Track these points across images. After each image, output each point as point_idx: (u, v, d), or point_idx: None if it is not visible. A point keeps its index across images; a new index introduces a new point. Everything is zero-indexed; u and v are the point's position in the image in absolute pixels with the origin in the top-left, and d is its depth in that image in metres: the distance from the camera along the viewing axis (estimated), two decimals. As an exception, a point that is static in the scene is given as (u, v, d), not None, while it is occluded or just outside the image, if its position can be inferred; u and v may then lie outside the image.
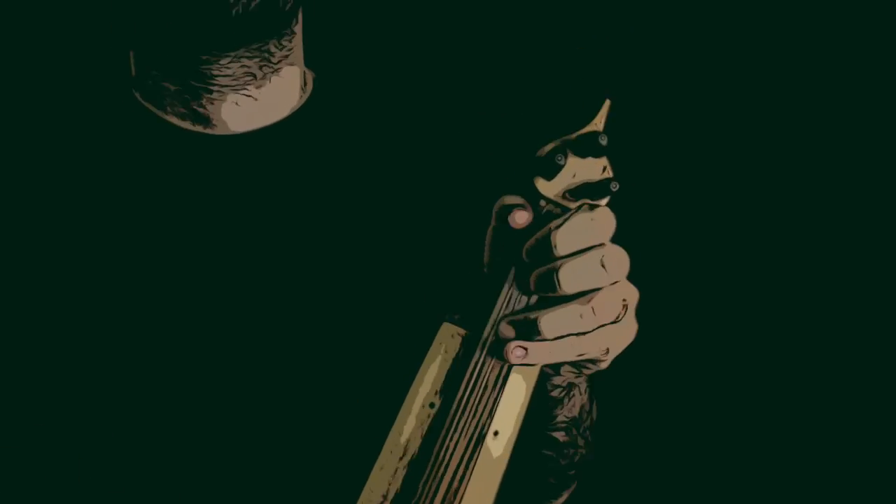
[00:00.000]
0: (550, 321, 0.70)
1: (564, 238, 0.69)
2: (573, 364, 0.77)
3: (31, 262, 0.86)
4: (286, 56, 0.90)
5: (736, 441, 1.48)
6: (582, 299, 0.70)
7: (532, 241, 0.71)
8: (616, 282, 0.72)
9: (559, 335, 0.70)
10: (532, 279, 0.71)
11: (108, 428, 0.84)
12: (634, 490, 1.47)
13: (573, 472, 0.92)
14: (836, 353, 1.47)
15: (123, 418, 0.84)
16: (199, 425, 0.85)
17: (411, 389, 0.74)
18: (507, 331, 0.72)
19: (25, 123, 0.91)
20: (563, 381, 0.82)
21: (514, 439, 0.74)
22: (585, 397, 0.87)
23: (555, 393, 0.83)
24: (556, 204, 0.73)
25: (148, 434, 0.84)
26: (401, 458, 0.73)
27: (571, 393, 0.84)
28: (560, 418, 0.85)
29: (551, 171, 0.72)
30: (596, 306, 0.70)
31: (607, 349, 0.74)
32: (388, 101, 0.99)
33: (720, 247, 1.47)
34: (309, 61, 0.96)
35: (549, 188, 0.73)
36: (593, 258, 0.70)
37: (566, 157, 0.72)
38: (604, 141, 0.71)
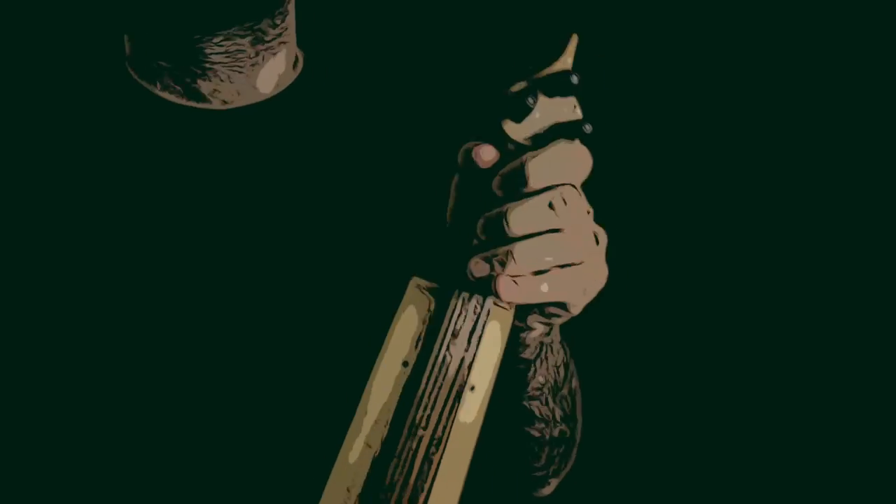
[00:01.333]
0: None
1: (539, 169, 0.66)
2: (541, 311, 0.74)
3: (29, 236, 0.85)
4: (279, 35, 0.91)
5: (734, 439, 1.50)
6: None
7: (506, 169, 0.68)
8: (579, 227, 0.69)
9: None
10: (479, 222, 0.68)
11: (95, 403, 0.83)
12: (633, 488, 1.48)
13: (557, 451, 0.91)
14: (831, 349, 1.48)
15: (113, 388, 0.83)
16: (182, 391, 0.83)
17: (383, 348, 0.71)
18: (476, 268, 0.69)
19: (20, 104, 0.91)
20: (534, 339, 0.79)
21: (489, 393, 0.72)
22: (560, 360, 0.85)
23: (526, 353, 0.80)
24: (526, 148, 0.69)
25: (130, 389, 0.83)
26: (377, 419, 0.70)
27: (543, 354, 0.82)
28: (534, 384, 0.83)
29: (520, 113, 0.69)
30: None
31: (583, 290, 0.71)
32: (368, 76, 1.00)
33: (717, 244, 1.48)
34: (300, 41, 0.98)
35: (518, 131, 0.70)
36: (543, 199, 0.67)
37: (537, 100, 0.69)
38: (575, 80, 0.68)
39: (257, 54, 0.90)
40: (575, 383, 0.90)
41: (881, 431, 1.48)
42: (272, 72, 0.92)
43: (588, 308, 0.76)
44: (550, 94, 0.70)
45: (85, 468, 0.83)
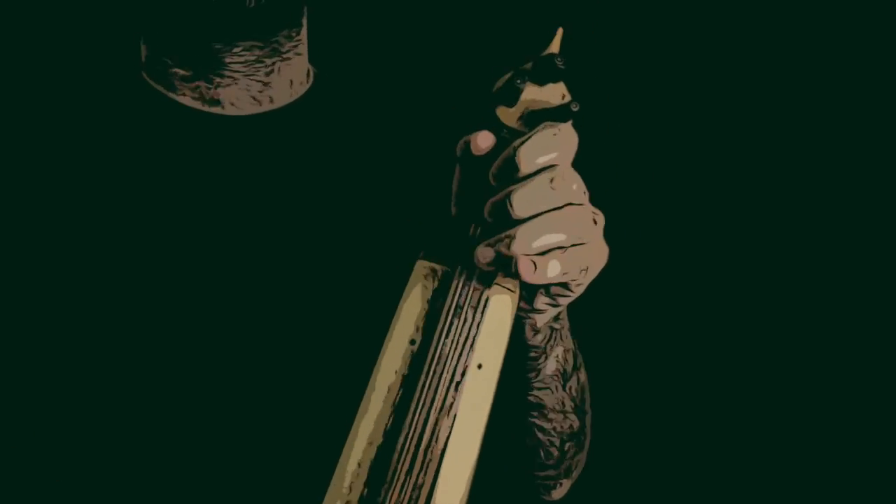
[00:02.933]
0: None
1: (528, 153, 0.69)
2: (547, 292, 0.76)
3: (43, 239, 0.88)
4: (294, 47, 0.96)
5: (734, 439, 1.49)
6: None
7: (498, 161, 0.71)
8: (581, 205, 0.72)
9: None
10: (486, 207, 0.71)
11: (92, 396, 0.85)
12: (639, 490, 1.46)
13: (568, 447, 0.91)
14: (829, 348, 1.48)
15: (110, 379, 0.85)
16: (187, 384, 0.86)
17: (391, 328, 0.74)
18: (482, 253, 0.71)
19: (34, 106, 0.95)
20: (544, 324, 0.81)
21: (498, 373, 0.74)
22: (569, 349, 0.86)
23: (536, 340, 0.82)
24: (519, 133, 0.73)
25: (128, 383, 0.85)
26: (385, 398, 0.72)
27: (553, 341, 0.83)
28: (545, 371, 0.85)
29: (512, 98, 0.73)
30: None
31: (584, 269, 0.73)
32: (375, 86, 1.05)
33: (715, 243, 1.49)
34: (311, 57, 1.03)
35: (511, 116, 0.74)
36: (544, 179, 0.69)
37: (524, 82, 0.73)
38: (560, 63, 0.72)
39: (273, 64, 0.94)
40: (583, 376, 0.90)
41: (881, 431, 1.46)
42: (286, 82, 0.96)
43: (593, 305, 0.78)
44: (539, 81, 0.74)
45: (86, 468, 0.85)
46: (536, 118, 0.73)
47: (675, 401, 1.48)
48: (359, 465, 0.71)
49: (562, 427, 0.89)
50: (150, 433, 0.85)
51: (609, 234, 0.76)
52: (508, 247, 0.70)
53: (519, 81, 0.72)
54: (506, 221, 0.70)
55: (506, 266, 0.71)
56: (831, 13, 1.46)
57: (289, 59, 0.96)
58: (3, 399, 0.85)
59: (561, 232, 0.70)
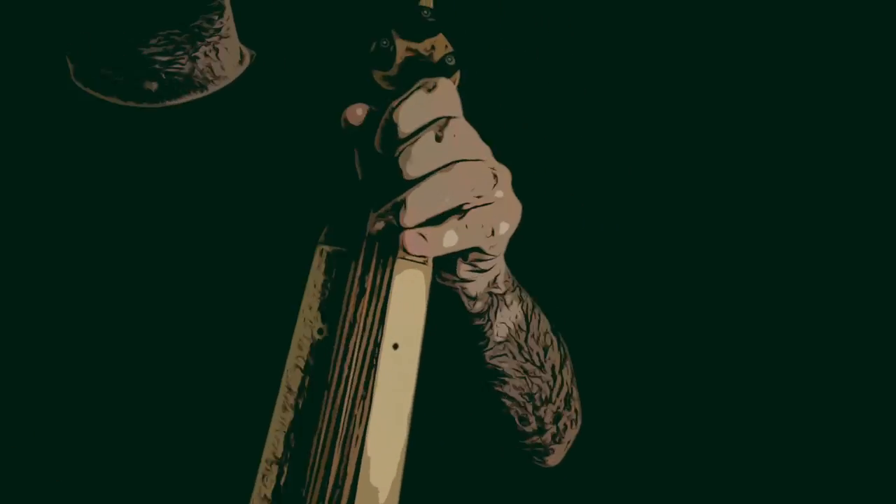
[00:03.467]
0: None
1: (406, 115, 0.66)
2: (464, 259, 0.72)
3: None
4: (218, 30, 0.93)
5: (731, 439, 1.45)
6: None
7: (378, 130, 0.68)
8: (478, 160, 0.68)
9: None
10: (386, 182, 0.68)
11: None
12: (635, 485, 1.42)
13: (546, 411, 0.87)
14: (820, 341, 1.44)
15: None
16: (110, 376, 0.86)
17: (297, 320, 0.71)
18: (374, 223, 0.68)
19: None
20: (481, 291, 0.77)
21: (417, 350, 0.70)
22: (519, 312, 0.82)
23: (477, 307, 0.79)
24: (397, 95, 0.69)
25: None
26: (297, 390, 0.69)
27: (497, 305, 0.79)
28: (494, 338, 0.81)
29: (385, 60, 0.69)
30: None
31: (492, 230, 0.69)
32: (303, 64, 1.01)
33: (713, 242, 1.45)
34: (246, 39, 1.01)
35: (390, 80, 0.70)
36: (429, 135, 0.67)
37: (393, 42, 0.69)
38: (427, 14, 0.68)
39: (197, 51, 0.92)
40: (546, 337, 0.86)
41: (881, 431, 1.41)
42: (213, 67, 0.94)
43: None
44: (413, 38, 0.70)
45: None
46: (416, 76, 0.69)
47: (672, 387, 1.44)
48: (277, 463, 0.69)
49: (530, 391, 0.85)
50: (53, 430, 0.85)
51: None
52: (398, 217, 0.66)
53: (385, 42, 0.68)
54: (401, 188, 0.67)
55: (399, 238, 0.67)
56: (822, 12, 1.42)
57: (214, 43, 0.93)
58: None
59: (453, 192, 0.67)
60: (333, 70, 1.02)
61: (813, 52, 1.42)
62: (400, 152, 0.67)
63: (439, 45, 0.70)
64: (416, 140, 0.66)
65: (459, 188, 0.67)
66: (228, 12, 0.95)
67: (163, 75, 0.92)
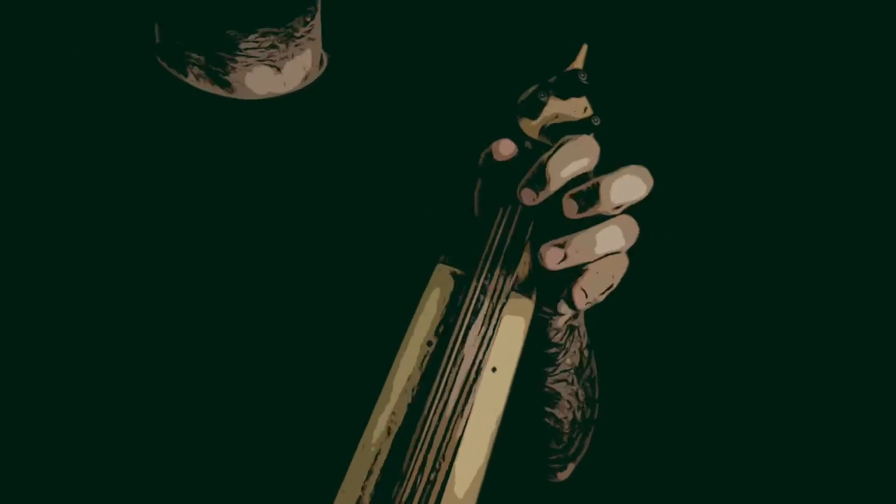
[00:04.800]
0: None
1: (556, 164, 0.71)
2: (567, 301, 0.78)
3: (57, 224, 0.89)
4: (308, 32, 0.98)
5: (733, 440, 1.50)
6: (619, 218, 0.72)
7: (528, 174, 0.72)
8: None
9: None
10: (565, 200, 0.72)
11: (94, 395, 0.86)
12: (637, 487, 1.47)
13: (577, 434, 0.93)
14: (823, 341, 1.50)
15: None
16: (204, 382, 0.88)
17: (408, 330, 0.76)
18: (551, 255, 0.72)
19: (49, 89, 0.97)
20: (564, 322, 0.83)
21: (511, 377, 0.76)
22: (584, 343, 0.89)
23: (557, 337, 0.84)
24: (541, 144, 0.75)
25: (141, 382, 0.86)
26: (401, 396, 0.74)
27: (572, 336, 0.86)
28: (563, 366, 0.87)
29: (534, 110, 0.75)
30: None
31: (612, 277, 0.75)
32: (390, 77, 1.06)
33: (716, 243, 1.50)
34: (326, 44, 1.04)
35: (533, 128, 0.76)
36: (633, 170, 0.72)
37: (548, 95, 0.75)
38: (583, 78, 0.74)
39: (287, 49, 0.96)
40: (595, 368, 0.93)
41: (881, 431, 1.46)
42: (300, 67, 0.98)
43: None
44: (562, 95, 0.76)
45: (93, 468, 0.86)
46: (558, 131, 0.75)
47: (673, 389, 1.50)
48: (373, 463, 0.73)
49: (574, 416, 0.92)
50: (155, 431, 0.87)
51: None
52: (577, 251, 0.72)
53: (543, 95, 0.74)
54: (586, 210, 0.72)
55: (571, 271, 0.73)
56: (831, 13, 1.48)
57: (302, 44, 0.97)
58: (9, 395, 0.87)
59: (622, 238, 0.73)
60: (411, 81, 1.07)
61: (813, 52, 1.48)
62: (602, 179, 0.71)
63: (581, 105, 0.77)
64: (625, 172, 0.72)
65: (626, 235, 0.73)
66: (318, 16, 0.99)
67: (251, 70, 0.95)
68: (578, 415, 0.92)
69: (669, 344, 1.49)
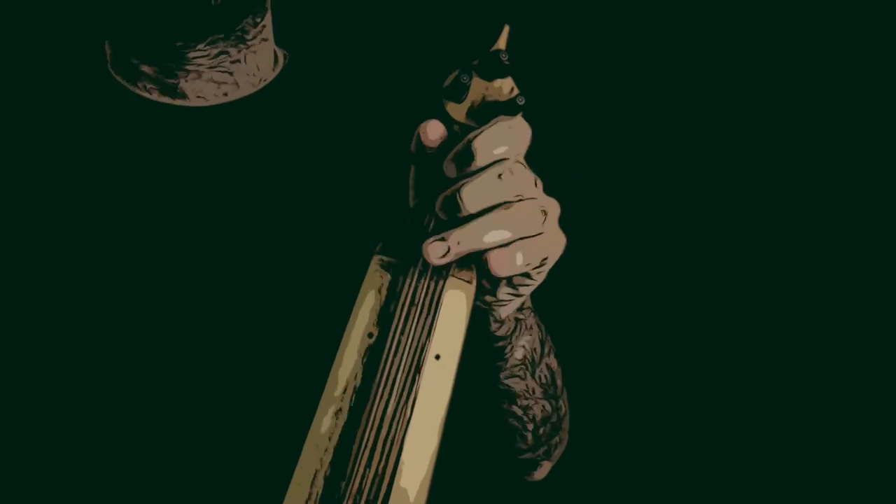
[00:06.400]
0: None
1: (483, 145, 0.71)
2: (509, 282, 0.78)
3: (8, 236, 0.89)
4: (259, 32, 0.97)
5: (728, 440, 1.50)
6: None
7: (451, 154, 0.72)
8: (532, 198, 0.74)
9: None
10: (437, 203, 0.72)
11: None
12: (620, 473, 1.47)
13: (543, 431, 0.93)
14: (827, 347, 1.49)
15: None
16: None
17: (349, 322, 0.76)
18: (432, 249, 0.73)
19: (4, 104, 0.96)
20: (509, 314, 0.83)
21: (456, 364, 0.76)
22: (535, 337, 0.88)
23: (502, 330, 0.84)
24: (469, 127, 0.75)
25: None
26: (344, 390, 0.74)
27: (519, 330, 0.85)
28: (512, 360, 0.87)
29: (459, 94, 0.75)
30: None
31: (544, 259, 0.75)
32: (344, 73, 1.05)
33: (706, 232, 1.50)
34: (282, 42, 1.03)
35: (459, 111, 0.75)
36: (492, 173, 0.71)
37: (471, 78, 0.75)
38: (505, 58, 0.74)
39: (238, 53, 0.95)
40: (553, 362, 0.92)
41: (881, 431, 1.46)
42: (252, 69, 0.97)
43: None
44: (486, 77, 0.76)
45: (60, 466, 0.87)
46: (484, 113, 0.75)
47: (656, 389, 1.49)
48: (321, 456, 0.73)
49: (533, 412, 0.91)
50: (101, 422, 0.87)
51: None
52: (458, 243, 0.72)
53: (465, 77, 0.74)
54: (456, 216, 0.72)
55: (462, 260, 0.73)
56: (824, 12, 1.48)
57: (254, 45, 0.97)
58: None
59: (509, 229, 0.72)
60: (366, 75, 1.07)
61: (813, 53, 1.47)
62: (461, 185, 0.71)
63: (507, 86, 0.76)
64: (480, 176, 0.71)
65: (514, 226, 0.72)
66: (269, 14, 0.98)
67: (202, 77, 0.94)
68: (537, 410, 0.91)
69: (656, 341, 1.48)
